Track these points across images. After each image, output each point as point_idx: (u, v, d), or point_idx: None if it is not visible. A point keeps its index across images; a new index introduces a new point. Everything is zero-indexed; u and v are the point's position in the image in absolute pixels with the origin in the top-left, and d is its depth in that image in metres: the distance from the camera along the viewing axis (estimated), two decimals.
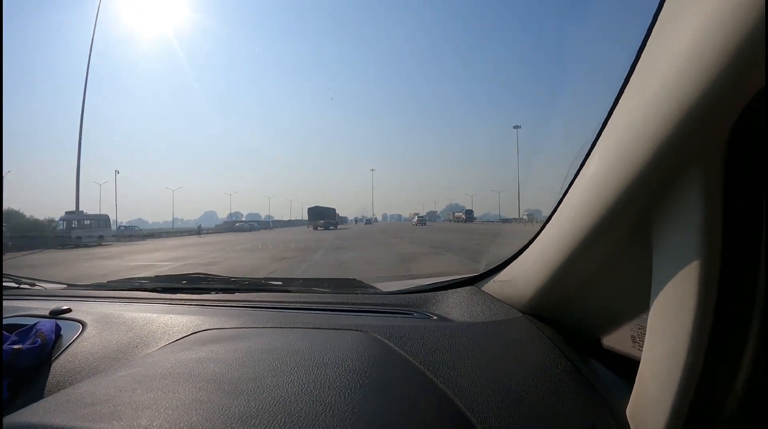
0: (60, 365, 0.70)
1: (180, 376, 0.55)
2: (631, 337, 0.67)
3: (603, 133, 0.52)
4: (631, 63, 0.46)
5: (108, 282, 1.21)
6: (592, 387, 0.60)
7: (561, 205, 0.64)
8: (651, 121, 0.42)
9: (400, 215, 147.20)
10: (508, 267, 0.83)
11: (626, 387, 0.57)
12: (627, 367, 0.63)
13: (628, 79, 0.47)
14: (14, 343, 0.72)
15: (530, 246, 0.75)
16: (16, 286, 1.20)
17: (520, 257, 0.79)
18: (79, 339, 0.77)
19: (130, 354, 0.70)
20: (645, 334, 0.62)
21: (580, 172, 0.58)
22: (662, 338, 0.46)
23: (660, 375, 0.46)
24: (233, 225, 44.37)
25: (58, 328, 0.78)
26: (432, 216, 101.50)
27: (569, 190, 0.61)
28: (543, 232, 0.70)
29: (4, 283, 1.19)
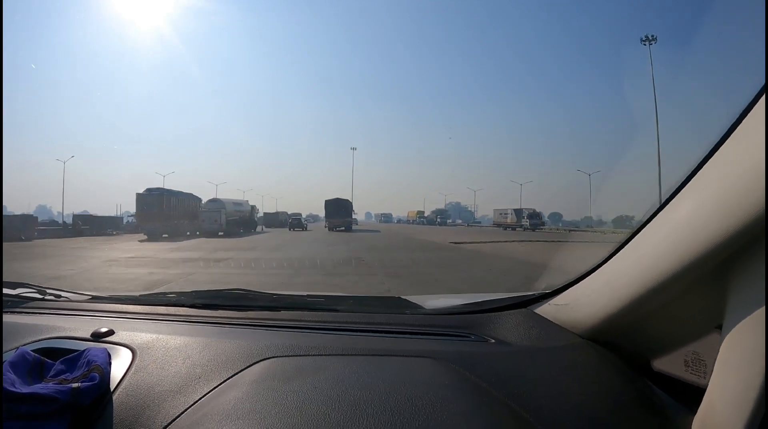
0: (120, 401, 0.64)
1: (268, 416, 0.55)
2: (684, 361, 0.69)
3: (698, 177, 0.53)
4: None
5: (140, 295, 1.16)
6: (662, 411, 0.63)
7: (637, 239, 0.65)
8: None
9: (390, 215, 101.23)
10: (566, 291, 0.84)
11: (683, 408, 0.61)
12: (678, 389, 0.66)
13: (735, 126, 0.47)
14: (61, 373, 0.67)
15: (594, 273, 0.76)
16: (41, 297, 1.11)
17: (581, 283, 0.80)
18: (133, 369, 0.72)
19: (195, 387, 0.67)
20: (700, 360, 0.66)
21: (665, 210, 0.59)
22: (735, 369, 0.49)
23: (732, 403, 0.48)
24: None
25: (109, 356, 0.73)
26: (443, 216, 64.96)
27: (649, 225, 0.62)
28: (612, 260, 0.72)
29: (27, 294, 1.13)
